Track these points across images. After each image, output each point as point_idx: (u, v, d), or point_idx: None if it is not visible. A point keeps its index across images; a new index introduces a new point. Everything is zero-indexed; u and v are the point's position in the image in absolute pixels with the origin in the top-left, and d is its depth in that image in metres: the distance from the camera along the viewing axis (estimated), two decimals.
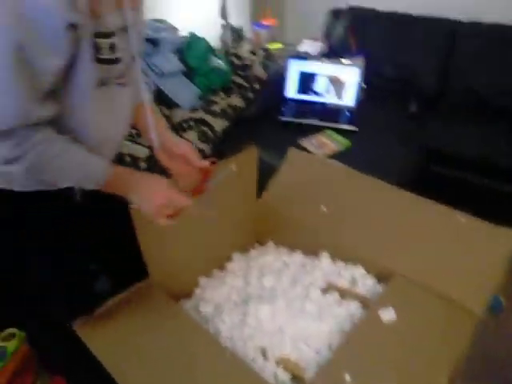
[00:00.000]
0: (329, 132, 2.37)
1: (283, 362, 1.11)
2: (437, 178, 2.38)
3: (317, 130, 2.41)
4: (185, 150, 1.14)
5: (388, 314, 1.11)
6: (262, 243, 1.57)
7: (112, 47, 0.89)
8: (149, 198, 0.99)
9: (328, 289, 1.32)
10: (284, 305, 1.25)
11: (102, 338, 1.10)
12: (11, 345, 1.46)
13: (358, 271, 1.34)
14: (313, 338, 1.16)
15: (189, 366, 1.03)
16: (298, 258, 1.45)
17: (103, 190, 0.97)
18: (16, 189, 0.97)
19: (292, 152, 1.59)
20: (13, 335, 1.49)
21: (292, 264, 1.43)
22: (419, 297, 1.17)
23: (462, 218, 1.28)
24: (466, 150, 2.33)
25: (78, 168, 0.92)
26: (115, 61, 0.91)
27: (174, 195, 1.00)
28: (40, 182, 0.94)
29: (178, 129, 2.14)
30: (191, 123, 2.20)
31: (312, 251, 1.45)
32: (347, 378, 0.97)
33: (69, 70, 0.86)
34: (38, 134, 0.84)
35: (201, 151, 2.08)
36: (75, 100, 0.90)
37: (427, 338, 1.07)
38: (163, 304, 1.20)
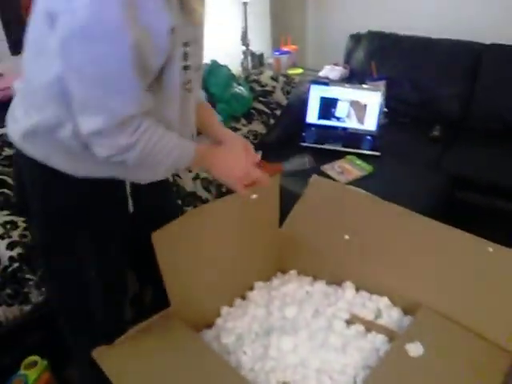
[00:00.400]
0: (350, 157, 2.36)
1: None
2: (461, 205, 2.32)
3: (338, 155, 2.40)
4: (242, 142, 1.25)
5: (415, 348, 1.07)
6: (284, 272, 1.55)
7: (186, 55, 1.01)
8: (228, 172, 1.13)
9: (352, 320, 1.29)
10: (307, 336, 1.23)
11: (122, 368, 1.10)
12: (32, 373, 1.46)
13: (383, 302, 1.31)
14: (337, 372, 1.13)
15: None
16: (321, 287, 1.42)
17: (191, 166, 1.12)
18: (121, 177, 1.09)
19: (315, 179, 1.58)
20: (35, 363, 1.49)
21: (315, 294, 1.40)
22: (447, 331, 1.14)
23: (489, 248, 1.24)
24: (491, 175, 2.28)
25: (176, 148, 1.02)
26: (187, 67, 1.03)
27: (250, 169, 1.14)
28: (142, 168, 1.07)
29: None
30: None
31: (335, 281, 1.42)
32: None
33: (162, 70, 0.97)
34: (146, 120, 0.95)
35: None
36: (166, 96, 1.02)
37: (456, 375, 1.03)
38: (184, 335, 1.19)
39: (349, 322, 1.28)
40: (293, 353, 1.19)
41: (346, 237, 1.41)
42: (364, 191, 1.53)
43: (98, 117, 0.90)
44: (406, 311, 1.27)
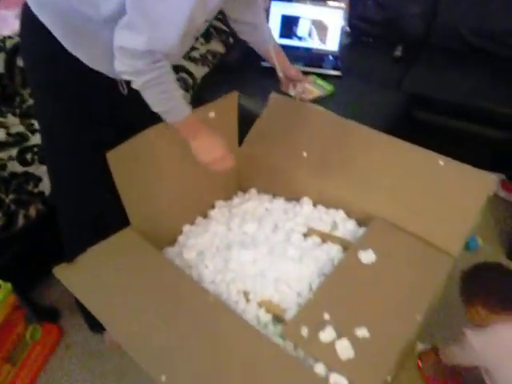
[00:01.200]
0: (312, 77, 2.32)
1: (265, 304, 1.14)
2: (420, 124, 2.35)
3: None
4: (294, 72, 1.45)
5: (368, 256, 1.14)
6: (244, 190, 1.57)
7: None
8: (208, 151, 1.20)
9: (309, 233, 1.34)
10: (266, 250, 1.27)
11: (84, 282, 1.12)
12: None
13: (339, 215, 1.36)
14: (294, 281, 1.19)
15: (172, 309, 1.06)
16: (280, 204, 1.46)
17: (176, 127, 1.16)
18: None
19: (274, 97, 1.56)
20: None
21: (274, 210, 1.44)
22: (398, 239, 1.20)
23: (441, 161, 1.29)
24: (450, 95, 2.30)
25: (174, 100, 1.11)
26: (206, 21, 1.11)
27: (227, 155, 1.21)
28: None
29: None
30: None
31: (294, 197, 1.46)
32: (326, 316, 1.01)
33: None
34: (166, 62, 1.04)
35: None
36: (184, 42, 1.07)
37: (405, 278, 1.11)
38: (145, 251, 1.21)
39: (306, 235, 1.34)
40: (252, 265, 1.24)
41: (305, 154, 1.42)
42: (323, 109, 1.52)
43: (136, 39, 0.97)
44: (361, 223, 1.33)
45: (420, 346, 1.61)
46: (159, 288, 1.10)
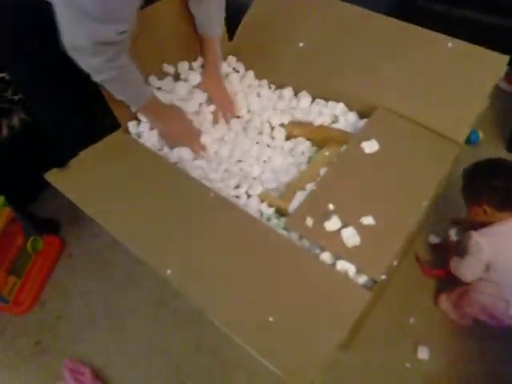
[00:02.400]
0: None
1: (266, 198, 1.12)
2: (425, 14, 2.19)
3: None
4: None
5: (370, 145, 1.09)
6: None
7: None
8: (171, 128, 1.21)
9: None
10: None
11: (77, 186, 1.09)
12: None
13: (340, 108, 1.29)
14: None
15: (173, 206, 1.03)
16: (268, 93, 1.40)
17: (139, 112, 1.20)
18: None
19: None
20: None
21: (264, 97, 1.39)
22: (402, 128, 1.15)
23: (449, 43, 1.20)
24: None
25: (131, 88, 1.13)
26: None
27: (191, 128, 1.23)
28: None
29: None
30: None
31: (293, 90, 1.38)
32: (330, 207, 0.98)
33: None
34: (122, 60, 1.01)
35: None
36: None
37: (410, 166, 1.07)
38: (139, 151, 1.17)
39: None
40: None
41: (301, 44, 1.32)
42: None
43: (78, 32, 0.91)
44: (363, 115, 1.27)
45: (433, 239, 1.64)
46: (157, 186, 1.07)
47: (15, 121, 1.54)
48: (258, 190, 1.14)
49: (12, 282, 1.53)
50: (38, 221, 1.71)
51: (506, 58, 1.15)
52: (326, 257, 0.94)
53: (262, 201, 1.12)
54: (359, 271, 0.91)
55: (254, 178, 1.23)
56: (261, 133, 1.33)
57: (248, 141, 1.31)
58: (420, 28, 1.24)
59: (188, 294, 0.87)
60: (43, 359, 1.46)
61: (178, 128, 1.22)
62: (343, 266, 0.91)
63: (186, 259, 0.93)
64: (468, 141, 1.98)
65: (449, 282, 1.53)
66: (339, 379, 1.37)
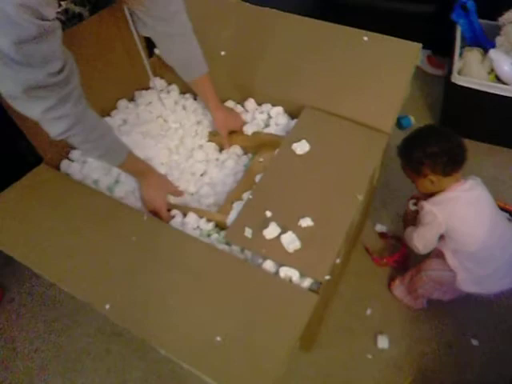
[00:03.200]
0: None
1: (204, 214, 1.09)
2: (346, 8, 2.25)
3: None
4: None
5: (301, 147, 1.09)
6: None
7: None
8: (145, 200, 1.12)
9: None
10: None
11: (4, 229, 1.03)
12: None
13: (273, 111, 1.29)
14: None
15: (105, 236, 0.99)
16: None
17: (119, 167, 1.07)
18: None
19: None
20: None
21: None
22: (330, 125, 1.15)
23: (365, 37, 1.22)
24: None
25: (108, 145, 1.01)
26: None
27: (162, 208, 1.11)
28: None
29: None
30: None
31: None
32: (268, 214, 0.97)
33: None
34: (69, 104, 0.87)
35: None
36: None
37: (342, 161, 1.08)
38: (64, 183, 1.12)
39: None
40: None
41: (222, 53, 1.31)
42: (238, 1, 1.38)
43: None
44: (294, 116, 1.26)
45: (380, 228, 1.69)
46: (85, 217, 1.02)
47: None
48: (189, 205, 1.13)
49: None
50: None
51: (419, 45, 1.18)
52: (268, 265, 0.92)
53: (201, 217, 1.09)
54: (303, 275, 0.90)
55: (192, 195, 1.21)
56: (192, 149, 1.31)
57: (182, 158, 1.28)
58: (335, 25, 1.26)
59: (129, 326, 0.83)
60: None
61: (155, 202, 1.11)
62: (286, 272, 0.90)
63: (124, 291, 0.89)
64: (400, 126, 2.05)
65: (400, 269, 1.56)
66: (303, 377, 1.37)
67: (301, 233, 0.93)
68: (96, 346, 1.48)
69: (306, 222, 0.95)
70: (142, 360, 1.43)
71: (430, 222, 1.21)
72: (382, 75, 1.18)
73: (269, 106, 1.29)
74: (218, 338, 0.80)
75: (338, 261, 0.96)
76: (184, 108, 1.36)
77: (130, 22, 1.15)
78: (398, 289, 1.50)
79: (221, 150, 1.33)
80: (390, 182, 1.79)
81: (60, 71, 0.82)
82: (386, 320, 1.48)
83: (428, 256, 1.35)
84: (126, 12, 1.13)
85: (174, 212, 1.11)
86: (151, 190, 1.12)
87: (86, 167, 1.19)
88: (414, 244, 1.27)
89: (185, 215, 1.09)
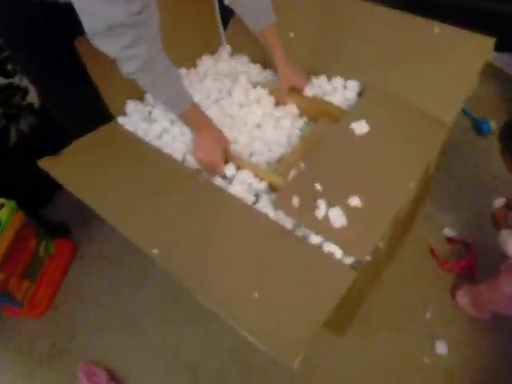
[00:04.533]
0: None
1: (261, 174, 1.12)
2: (430, 4, 2.19)
3: None
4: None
5: (360, 126, 1.09)
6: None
7: None
8: (206, 152, 1.13)
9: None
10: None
11: (71, 172, 1.11)
12: (3, 214, 1.46)
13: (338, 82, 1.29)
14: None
15: (163, 191, 1.06)
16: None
17: (180, 116, 1.11)
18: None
19: None
20: (1, 206, 1.48)
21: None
22: (392, 109, 1.16)
23: (436, 28, 1.20)
24: None
25: (175, 91, 1.05)
26: None
27: (220, 163, 1.13)
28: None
29: None
30: None
31: None
32: (318, 187, 0.99)
33: None
34: (145, 45, 0.93)
35: None
36: None
37: (398, 148, 1.08)
38: (131, 140, 1.20)
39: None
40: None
41: (291, 34, 1.35)
42: None
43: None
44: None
45: (448, 232, 1.63)
46: (148, 173, 1.10)
47: (23, 125, 1.58)
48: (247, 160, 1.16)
49: (26, 286, 1.58)
50: (50, 225, 1.75)
51: (492, 40, 1.15)
52: (313, 238, 0.95)
53: (256, 175, 1.12)
54: (345, 253, 0.91)
55: (243, 147, 1.23)
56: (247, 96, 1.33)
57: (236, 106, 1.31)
58: (409, 15, 1.24)
59: (175, 273, 0.89)
60: (59, 362, 1.49)
61: (210, 156, 1.13)
62: (329, 248, 0.92)
63: (173, 239, 0.95)
64: (480, 131, 1.96)
65: (464, 277, 1.49)
66: (356, 368, 1.36)
67: (348, 211, 0.95)
68: (156, 309, 1.55)
69: (355, 201, 0.96)
70: (200, 331, 1.48)
71: None
72: (449, 67, 1.16)
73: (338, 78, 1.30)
74: (256, 295, 0.84)
75: (380, 245, 0.97)
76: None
77: None
78: (463, 299, 1.42)
79: (277, 104, 1.33)
80: (464, 185, 1.72)
81: (140, 12, 0.89)
82: (447, 326, 1.42)
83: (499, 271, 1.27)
84: None
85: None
86: (210, 142, 1.14)
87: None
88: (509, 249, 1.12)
89: (238, 168, 1.13)
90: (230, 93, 1.35)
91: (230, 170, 1.12)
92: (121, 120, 1.27)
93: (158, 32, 0.97)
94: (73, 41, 1.08)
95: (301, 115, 1.32)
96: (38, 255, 1.62)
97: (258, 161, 1.19)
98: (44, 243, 1.65)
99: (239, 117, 1.29)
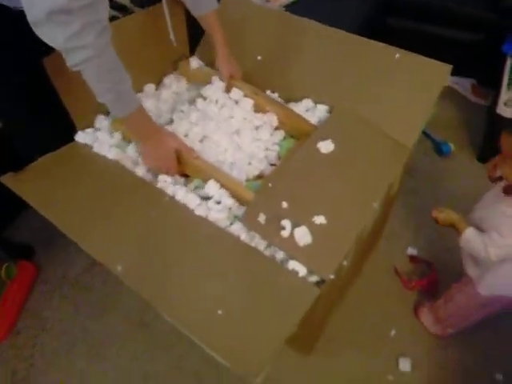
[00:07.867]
0: None
1: (231, 188, 1.11)
2: (395, 32, 2.29)
3: None
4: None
5: (326, 146, 1.12)
6: None
7: None
8: (155, 158, 1.11)
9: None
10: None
11: (35, 189, 1.09)
12: None
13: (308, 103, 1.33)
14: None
15: (126, 209, 1.05)
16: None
17: (126, 121, 1.05)
18: None
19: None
20: None
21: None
22: (357, 129, 1.19)
23: (397, 54, 1.25)
24: None
25: (122, 91, 0.98)
26: None
27: (173, 167, 1.11)
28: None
29: None
30: None
31: None
32: (284, 205, 1.01)
33: None
34: (92, 36, 0.86)
35: None
36: None
37: (362, 168, 1.11)
38: (95, 158, 1.18)
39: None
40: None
41: (259, 57, 1.38)
42: (277, 10, 1.44)
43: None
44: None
45: (411, 251, 1.68)
46: (112, 190, 1.09)
47: None
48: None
49: None
50: (12, 247, 1.69)
51: (450, 66, 1.20)
52: (278, 254, 0.96)
53: (222, 187, 1.10)
54: (310, 271, 0.92)
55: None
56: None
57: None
58: (370, 40, 1.29)
59: (138, 289, 0.88)
60: None
61: (160, 161, 1.11)
62: (294, 265, 0.93)
63: (137, 256, 0.95)
64: (440, 152, 2.05)
65: (428, 294, 1.54)
66: None
67: (313, 229, 0.96)
68: (122, 334, 1.52)
69: (320, 220, 0.98)
70: (167, 354, 1.46)
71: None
72: (409, 92, 1.21)
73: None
74: (220, 312, 0.83)
75: (345, 263, 0.98)
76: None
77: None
78: (426, 316, 1.47)
79: (226, 91, 1.34)
80: (426, 205, 1.77)
81: None
82: (410, 343, 1.46)
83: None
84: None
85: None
86: (159, 149, 1.09)
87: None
88: (489, 251, 1.08)
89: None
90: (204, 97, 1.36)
91: (210, 188, 1.10)
92: (82, 136, 1.24)
93: (108, 24, 0.90)
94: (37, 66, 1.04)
95: (278, 128, 1.31)
96: (0, 278, 1.56)
97: (238, 175, 1.17)
98: (5, 266, 1.59)
99: (220, 118, 1.29)
